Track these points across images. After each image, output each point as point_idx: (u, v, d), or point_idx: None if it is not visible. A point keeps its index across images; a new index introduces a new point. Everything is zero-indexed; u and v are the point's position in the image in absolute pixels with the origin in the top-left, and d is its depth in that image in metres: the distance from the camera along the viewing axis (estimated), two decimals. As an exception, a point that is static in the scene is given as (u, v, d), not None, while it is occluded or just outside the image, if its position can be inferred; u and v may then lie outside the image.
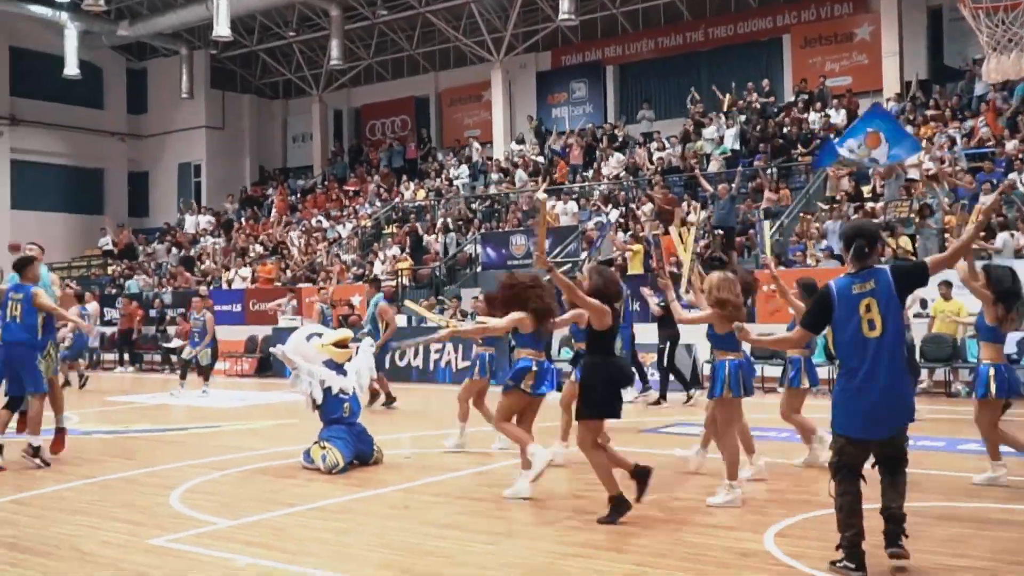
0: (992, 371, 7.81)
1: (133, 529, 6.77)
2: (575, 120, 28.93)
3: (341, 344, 9.66)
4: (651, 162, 23.82)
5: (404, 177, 29.65)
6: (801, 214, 19.02)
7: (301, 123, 36.22)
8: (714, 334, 7.63)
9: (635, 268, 19.05)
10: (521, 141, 28.50)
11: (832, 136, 21.63)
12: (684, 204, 21.23)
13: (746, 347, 7.82)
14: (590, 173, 25.22)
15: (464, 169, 28.38)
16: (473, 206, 26.28)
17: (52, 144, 33.90)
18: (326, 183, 32.76)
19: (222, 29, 26.74)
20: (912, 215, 17.32)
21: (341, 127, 35.67)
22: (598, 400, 6.86)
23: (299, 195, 32.81)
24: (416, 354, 18.83)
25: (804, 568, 5.56)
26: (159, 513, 7.33)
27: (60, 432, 9.93)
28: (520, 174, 26.23)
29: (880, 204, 18.56)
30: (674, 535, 6.43)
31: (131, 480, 8.80)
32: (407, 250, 24.44)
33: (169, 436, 11.90)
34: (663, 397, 14.54)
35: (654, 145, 24.68)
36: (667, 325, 14.31)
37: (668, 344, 14.70)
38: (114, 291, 27.69)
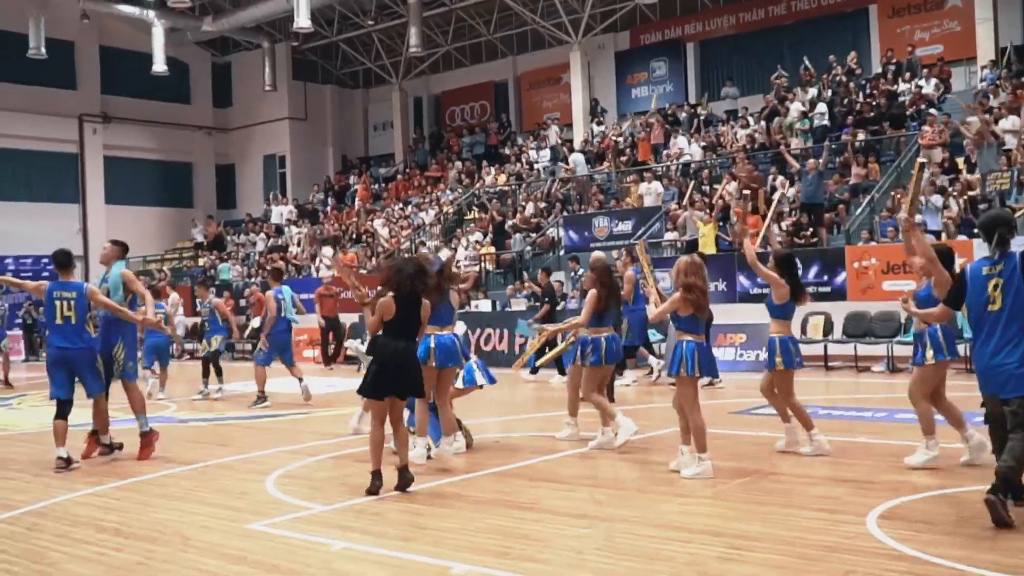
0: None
1: (232, 515, 6.89)
2: (658, 100, 28.55)
3: None
4: (736, 139, 23.38)
5: (484, 163, 29.67)
6: (894, 194, 18.43)
7: (382, 111, 36.52)
8: (677, 316, 7.83)
9: (707, 247, 18.77)
10: (600, 122, 28.28)
11: (924, 107, 20.98)
12: (770, 180, 20.84)
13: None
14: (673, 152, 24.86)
15: (545, 153, 28.27)
16: (553, 189, 26.16)
17: (142, 140, 34.83)
18: (408, 171, 32.98)
19: (302, 21, 27.07)
20: (1012, 186, 16.70)
21: (421, 114, 35.87)
22: (371, 379, 7.33)
23: (382, 183, 33.11)
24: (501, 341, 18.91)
25: (910, 551, 5.39)
26: (255, 499, 7.45)
27: (144, 436, 9.47)
28: (576, 157, 25.98)
29: (976, 175, 17.93)
30: (770, 518, 6.29)
31: (227, 466, 8.98)
32: (490, 235, 24.47)
33: (262, 423, 12.11)
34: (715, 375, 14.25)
35: (738, 123, 24.21)
36: None
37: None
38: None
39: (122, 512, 7.14)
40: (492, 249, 24.00)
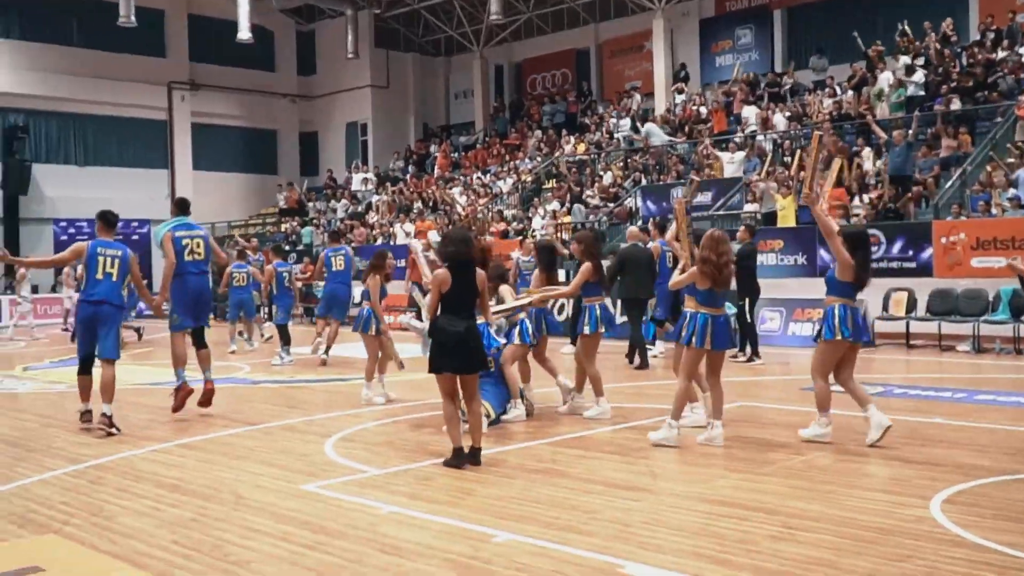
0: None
1: (287, 475, 6.96)
2: (741, 68, 27.87)
3: None
4: (821, 108, 22.70)
5: (564, 132, 29.42)
6: (989, 165, 17.67)
7: (463, 80, 36.45)
8: (694, 289, 7.96)
9: (787, 220, 18.35)
10: (681, 91, 27.77)
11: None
12: (856, 151, 20.22)
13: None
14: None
15: (626, 122, 27.88)
16: (635, 158, 25.81)
17: (228, 107, 35.39)
18: (487, 139, 32.91)
19: (385, -12, 27.03)
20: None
21: (502, 82, 35.71)
22: (434, 356, 7.22)
23: (461, 152, 33.11)
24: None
25: (971, 537, 5.16)
26: (313, 460, 7.52)
27: (177, 389, 9.68)
28: (649, 127, 25.52)
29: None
30: (831, 498, 6.09)
31: (291, 428, 9.09)
32: (567, 205, 24.29)
33: (331, 386, 12.24)
34: (755, 354, 14.13)
35: (825, 92, 23.51)
36: (745, 282, 13.78)
37: (747, 301, 14.07)
38: (287, 247, 28.71)
39: (183, 469, 7.27)
40: (569, 219, 23.82)
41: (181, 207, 10.25)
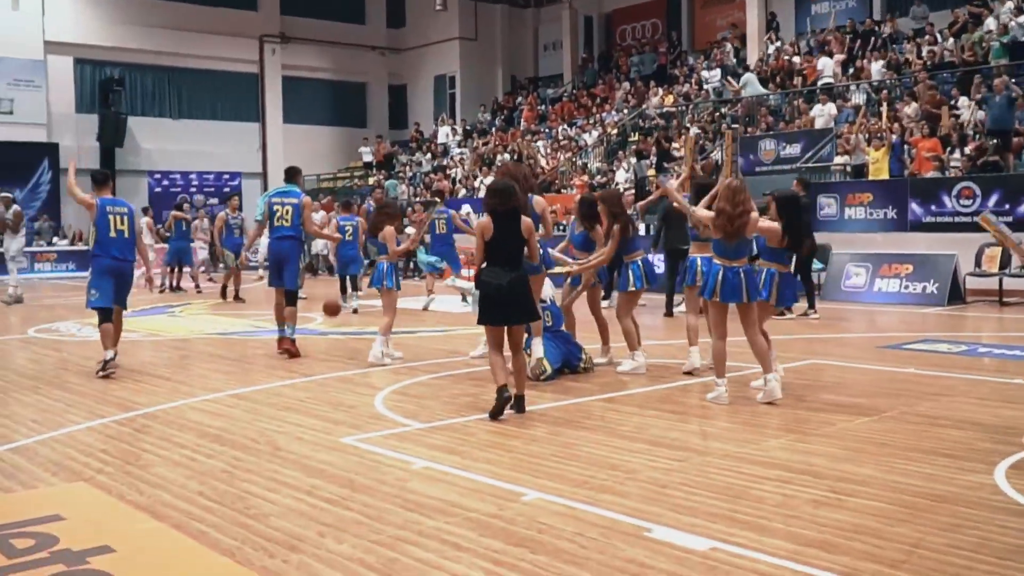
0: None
1: (329, 428, 6.89)
2: (838, 16, 26.73)
3: None
4: (919, 57, 21.64)
5: (652, 83, 28.73)
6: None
7: (552, 31, 35.88)
8: (712, 238, 7.82)
9: (880, 173, 17.56)
10: (772, 40, 26.78)
11: None
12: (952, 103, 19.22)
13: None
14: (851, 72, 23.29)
15: (716, 72, 27.06)
16: (723, 110, 25.09)
17: (318, 60, 35.59)
18: (575, 92, 32.40)
19: (471, -63, 26.66)
20: None
21: (591, 34, 35.04)
22: (480, 308, 7.20)
23: (548, 104, 32.68)
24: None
25: (1032, 508, 4.79)
26: (360, 413, 7.44)
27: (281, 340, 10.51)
28: (748, 77, 24.62)
29: None
30: (887, 462, 5.73)
31: (345, 379, 9.05)
32: (652, 158, 23.75)
33: (395, 339, 12.14)
34: (811, 307, 13.72)
35: (924, 39, 22.38)
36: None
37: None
38: (373, 202, 28.82)
39: (229, 419, 7.26)
40: (653, 172, 23.30)
41: (288, 175, 10.94)
